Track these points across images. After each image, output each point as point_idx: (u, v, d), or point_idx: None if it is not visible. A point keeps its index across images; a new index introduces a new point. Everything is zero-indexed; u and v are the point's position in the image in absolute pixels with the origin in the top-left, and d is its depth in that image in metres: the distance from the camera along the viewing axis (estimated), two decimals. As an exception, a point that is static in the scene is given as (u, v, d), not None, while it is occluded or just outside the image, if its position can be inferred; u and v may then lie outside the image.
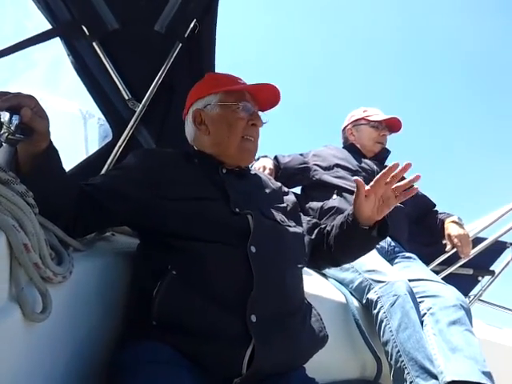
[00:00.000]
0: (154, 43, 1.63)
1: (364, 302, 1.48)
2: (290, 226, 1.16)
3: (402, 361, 1.28)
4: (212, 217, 1.03)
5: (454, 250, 2.01)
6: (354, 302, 1.49)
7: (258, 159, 2.07)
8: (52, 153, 0.88)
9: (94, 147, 1.85)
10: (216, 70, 1.60)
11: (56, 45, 1.61)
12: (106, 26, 1.56)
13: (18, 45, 1.47)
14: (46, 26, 1.56)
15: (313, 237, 1.27)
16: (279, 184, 1.33)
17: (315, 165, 2.09)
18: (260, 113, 1.23)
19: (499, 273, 2.50)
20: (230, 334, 0.91)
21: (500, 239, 2.36)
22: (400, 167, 1.11)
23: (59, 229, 0.90)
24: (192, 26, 1.60)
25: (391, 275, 1.48)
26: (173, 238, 1.01)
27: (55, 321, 0.79)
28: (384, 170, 1.12)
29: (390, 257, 1.79)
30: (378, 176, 1.13)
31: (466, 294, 2.47)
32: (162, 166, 1.11)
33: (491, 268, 2.53)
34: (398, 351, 1.30)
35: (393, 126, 2.20)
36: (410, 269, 1.69)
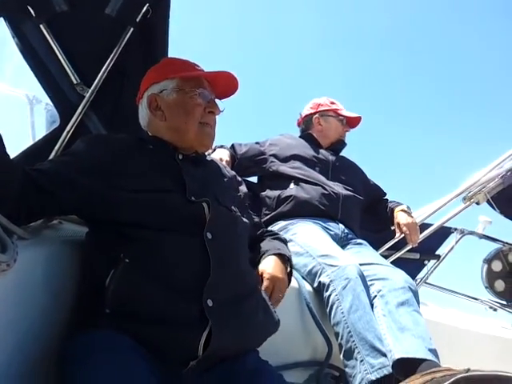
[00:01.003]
0: (105, 27, 1.58)
1: (316, 285, 1.51)
2: (242, 215, 1.19)
3: (353, 341, 1.33)
4: (167, 206, 1.03)
5: (402, 235, 2.09)
6: (306, 286, 1.52)
7: (215, 149, 2.06)
8: None
9: (41, 134, 1.78)
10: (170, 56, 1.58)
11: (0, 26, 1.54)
12: (53, 7, 1.50)
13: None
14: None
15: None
16: (234, 173, 1.35)
17: (272, 155, 2.10)
18: (217, 101, 1.22)
19: (444, 257, 2.64)
20: (186, 319, 0.92)
21: (445, 225, 2.48)
22: None
23: (2, 216, 0.86)
24: (144, 10, 1.56)
25: (343, 260, 1.52)
26: (126, 227, 1.00)
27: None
28: None
29: (342, 243, 1.84)
30: None
31: (413, 277, 2.55)
32: (113, 153, 1.09)
33: (437, 252, 2.66)
34: (349, 332, 1.34)
35: (354, 122, 2.26)
36: (361, 254, 1.74)
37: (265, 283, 1.16)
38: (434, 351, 1.28)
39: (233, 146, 2.13)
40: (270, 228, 1.89)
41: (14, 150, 1.58)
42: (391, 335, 1.32)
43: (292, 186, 1.97)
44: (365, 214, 2.20)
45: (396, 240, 2.15)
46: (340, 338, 1.37)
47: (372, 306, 1.44)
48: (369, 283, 1.51)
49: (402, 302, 1.41)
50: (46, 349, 0.95)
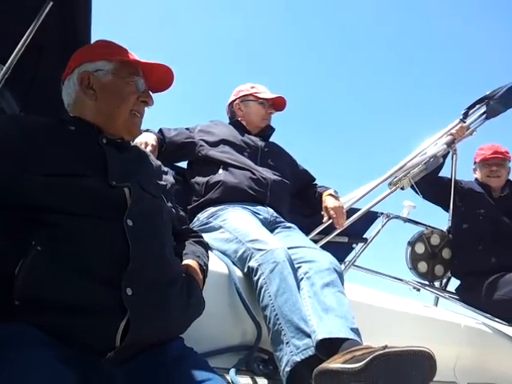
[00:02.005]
0: (22, 1, 1.47)
1: (246, 270, 1.51)
2: (166, 204, 1.16)
3: (280, 323, 1.34)
4: (86, 190, 0.97)
5: (331, 220, 2.15)
6: (236, 272, 1.51)
7: (141, 133, 1.99)
8: None
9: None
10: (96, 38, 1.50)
11: None
12: None
13: None
14: None
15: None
16: (159, 162, 1.32)
17: (201, 140, 2.07)
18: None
19: (371, 240, 2.75)
20: (103, 308, 0.88)
21: (372, 209, 2.59)
22: None
23: None
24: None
25: (271, 244, 1.53)
26: (38, 213, 0.93)
27: None
28: None
29: (272, 227, 1.85)
30: None
31: (341, 260, 2.67)
32: (29, 136, 1.01)
33: (364, 236, 2.76)
34: (276, 315, 1.36)
35: (278, 104, 2.25)
36: (290, 237, 1.76)
37: None
38: (356, 330, 1.32)
39: (161, 131, 2.07)
40: (200, 214, 1.88)
41: None
42: (316, 316, 1.35)
43: (221, 171, 1.95)
44: (295, 198, 2.24)
45: (325, 225, 2.20)
46: (268, 321, 1.38)
47: (299, 288, 1.47)
48: (296, 266, 1.53)
49: (327, 284, 1.45)
50: None
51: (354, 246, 2.72)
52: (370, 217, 2.73)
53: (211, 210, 1.85)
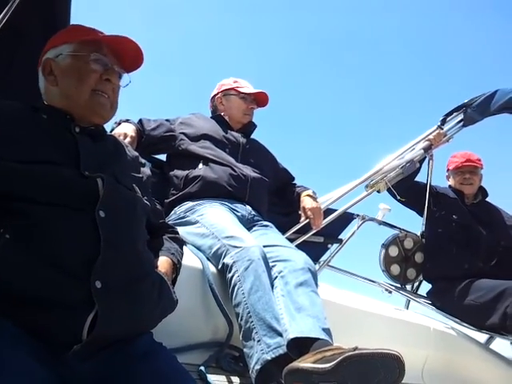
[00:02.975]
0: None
1: (220, 267, 1.50)
2: (141, 197, 1.13)
3: (252, 321, 1.34)
4: (56, 179, 0.94)
5: (308, 220, 2.16)
6: (210, 268, 1.50)
7: (120, 124, 1.96)
8: None
9: None
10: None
11: None
12: None
13: None
14: None
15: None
16: (136, 154, 1.28)
17: (182, 133, 2.05)
18: (126, 75, 1.17)
19: (346, 241, 2.77)
20: (71, 301, 0.85)
21: (348, 211, 2.61)
22: None
23: None
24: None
25: (248, 241, 1.52)
26: (7, 201, 0.90)
27: None
28: None
29: (249, 224, 1.85)
30: None
31: (316, 259, 2.68)
32: (2, 120, 0.98)
33: (340, 237, 2.78)
34: (249, 312, 1.35)
35: (260, 100, 2.24)
36: (267, 236, 1.76)
37: None
38: (327, 330, 1.33)
39: (140, 121, 2.04)
40: (177, 208, 1.86)
41: None
42: (288, 315, 1.35)
43: (201, 166, 1.93)
44: (273, 196, 2.23)
45: (302, 224, 2.21)
46: (240, 318, 1.38)
47: (273, 286, 1.47)
48: (271, 264, 1.53)
49: (300, 283, 1.45)
50: None
51: (329, 246, 2.73)
52: (346, 218, 2.75)
53: (189, 204, 1.83)
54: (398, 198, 2.83)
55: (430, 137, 2.74)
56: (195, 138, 2.02)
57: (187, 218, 1.76)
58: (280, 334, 1.31)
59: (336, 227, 2.68)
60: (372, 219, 2.92)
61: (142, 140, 1.96)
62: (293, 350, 1.26)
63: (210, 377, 1.29)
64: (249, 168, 2.01)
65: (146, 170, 1.28)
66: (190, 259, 1.50)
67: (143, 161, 1.30)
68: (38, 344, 0.83)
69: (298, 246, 1.92)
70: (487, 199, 2.93)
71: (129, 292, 0.94)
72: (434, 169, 2.94)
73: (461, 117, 2.81)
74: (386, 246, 2.97)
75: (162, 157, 2.16)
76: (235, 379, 1.35)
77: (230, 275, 1.44)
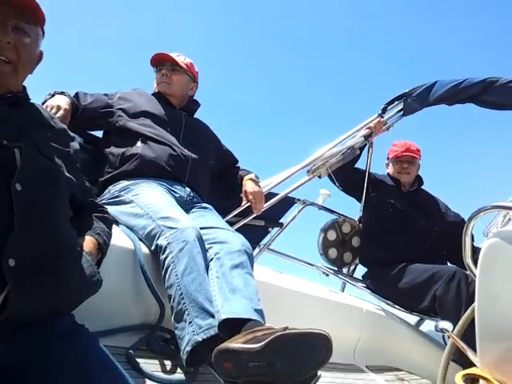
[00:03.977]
0: None
1: (153, 248, 1.46)
2: (67, 172, 1.05)
3: (184, 303, 1.31)
4: None
5: (249, 204, 2.15)
6: (143, 249, 1.45)
7: (54, 96, 1.84)
8: None
9: None
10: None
11: None
12: None
13: None
14: None
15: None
16: (64, 126, 1.19)
17: (120, 109, 1.96)
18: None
19: (286, 225, 2.79)
20: None
21: (289, 195, 2.63)
22: None
23: None
24: None
25: (183, 222, 1.48)
26: None
27: None
28: None
29: (187, 206, 1.80)
30: None
31: (257, 243, 2.69)
32: None
33: (280, 221, 2.80)
34: (181, 294, 1.32)
35: (155, 62, 2.14)
36: (204, 218, 1.73)
37: None
38: (260, 311, 1.32)
39: (77, 95, 1.93)
40: (111, 187, 1.78)
41: None
42: (221, 296, 1.33)
43: (139, 143, 1.86)
44: (215, 179, 2.20)
45: (243, 207, 2.20)
46: (172, 300, 1.34)
47: (208, 268, 1.45)
48: (208, 246, 1.51)
49: (236, 265, 1.44)
50: None
51: (269, 229, 2.75)
52: (287, 202, 2.78)
53: (124, 183, 1.76)
54: (338, 184, 2.89)
55: (371, 125, 2.81)
56: (134, 115, 1.94)
57: (121, 198, 1.69)
58: (212, 316, 1.30)
59: (277, 211, 2.69)
60: (312, 204, 2.97)
61: (76, 114, 1.86)
62: (224, 331, 1.25)
63: (139, 360, 1.26)
64: (190, 148, 1.96)
65: (75, 145, 1.20)
66: (122, 240, 1.45)
67: (72, 134, 1.22)
68: None
69: (239, 230, 1.92)
70: (423, 187, 3.05)
71: (46, 271, 0.88)
72: (373, 156, 3.01)
73: (401, 106, 2.89)
74: (324, 230, 3.04)
75: (99, 134, 2.07)
76: (166, 362, 1.32)
77: (164, 256, 1.40)
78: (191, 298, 1.32)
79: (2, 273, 0.80)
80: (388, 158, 3.07)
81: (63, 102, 1.80)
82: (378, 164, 3.11)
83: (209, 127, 2.25)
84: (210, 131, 2.25)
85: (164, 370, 1.29)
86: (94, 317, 1.14)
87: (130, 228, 1.56)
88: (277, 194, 2.50)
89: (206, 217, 1.76)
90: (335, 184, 2.88)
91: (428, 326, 2.79)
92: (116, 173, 1.82)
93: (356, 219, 3.11)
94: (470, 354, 1.35)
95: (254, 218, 2.36)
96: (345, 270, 3.11)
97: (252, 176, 2.22)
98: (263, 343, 1.09)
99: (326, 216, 3.10)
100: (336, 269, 3.05)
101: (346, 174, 2.82)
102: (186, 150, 1.92)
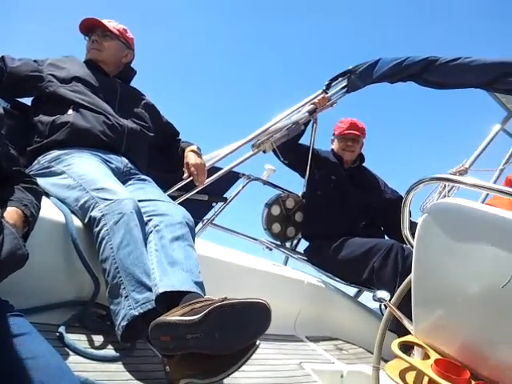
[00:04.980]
0: None
1: (87, 220, 1.38)
2: None
3: (120, 277, 1.25)
4: None
5: (191, 178, 2.09)
6: (75, 222, 1.37)
7: None
8: None
9: None
10: None
11: None
12: None
13: None
14: None
15: None
16: None
17: (50, 75, 1.82)
18: None
19: (231, 200, 2.77)
20: None
21: (234, 170, 2.59)
22: None
23: None
24: None
25: (120, 194, 1.41)
26: None
27: None
28: None
29: (124, 177, 1.72)
30: None
31: (200, 217, 2.65)
32: None
33: (225, 195, 2.77)
34: (117, 268, 1.26)
35: (84, 28, 2.02)
36: (143, 190, 1.66)
37: None
38: (200, 284, 1.29)
39: (2, 58, 1.77)
40: (41, 157, 1.66)
41: None
42: (160, 270, 1.29)
43: (70, 111, 1.74)
44: (155, 151, 2.12)
45: (185, 181, 2.14)
46: (107, 274, 1.28)
47: (147, 241, 1.39)
48: (147, 219, 1.45)
49: (177, 237, 1.39)
50: None
51: (213, 204, 2.71)
52: (232, 177, 2.74)
53: (55, 153, 1.64)
54: (282, 159, 2.89)
55: (315, 100, 2.81)
56: (65, 81, 1.82)
57: (52, 169, 1.58)
58: (150, 289, 1.25)
59: (221, 186, 2.66)
60: (257, 179, 2.96)
61: (2, 79, 1.72)
62: (162, 305, 1.21)
63: (72, 336, 1.20)
64: (127, 117, 1.86)
65: None
66: (52, 212, 1.36)
67: None
68: None
69: (182, 204, 1.85)
70: (364, 164, 3.11)
71: None
72: (317, 132, 3.03)
73: (345, 83, 2.91)
74: (268, 205, 3.04)
75: (28, 101, 1.92)
76: (100, 338, 1.27)
77: (98, 229, 1.33)
78: (127, 271, 1.26)
79: None
80: (333, 134, 3.10)
81: None
82: (322, 140, 3.14)
83: (146, 96, 2.14)
84: (148, 100, 2.14)
85: (98, 347, 1.23)
86: (21, 293, 1.07)
87: (62, 200, 1.47)
88: (221, 169, 2.46)
89: (146, 189, 1.69)
90: (280, 159, 2.88)
91: (366, 297, 2.89)
92: (45, 142, 1.69)
93: (300, 194, 3.13)
94: (405, 322, 1.40)
95: (198, 193, 2.32)
96: (288, 245, 3.14)
97: (194, 148, 2.16)
98: (201, 314, 1.06)
99: (271, 191, 3.10)
100: (279, 243, 3.07)
101: (291, 149, 2.82)
102: (121, 119, 1.83)
